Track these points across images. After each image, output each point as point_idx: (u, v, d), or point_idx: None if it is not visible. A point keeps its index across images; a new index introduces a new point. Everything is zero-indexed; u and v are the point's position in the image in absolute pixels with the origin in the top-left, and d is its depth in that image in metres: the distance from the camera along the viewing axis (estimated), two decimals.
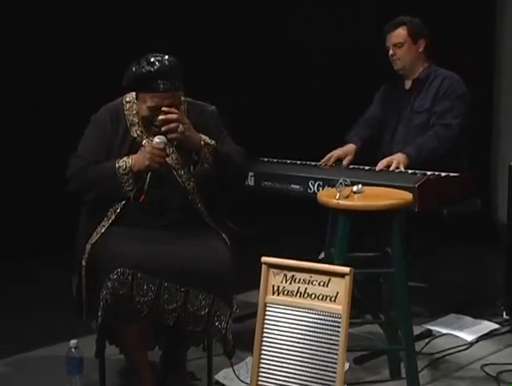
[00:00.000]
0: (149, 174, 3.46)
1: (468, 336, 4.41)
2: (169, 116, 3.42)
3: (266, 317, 3.18)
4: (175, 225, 3.51)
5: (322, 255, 4.56)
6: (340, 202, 3.42)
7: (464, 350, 4.25)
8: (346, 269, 3.07)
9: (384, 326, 3.89)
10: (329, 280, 3.10)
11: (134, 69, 3.48)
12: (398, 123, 4.82)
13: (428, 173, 4.15)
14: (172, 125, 3.42)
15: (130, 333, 3.44)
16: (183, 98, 3.62)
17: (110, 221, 3.52)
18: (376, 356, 4.02)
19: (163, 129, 3.43)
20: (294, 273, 3.15)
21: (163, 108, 3.41)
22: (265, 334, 3.17)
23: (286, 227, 6.04)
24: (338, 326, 3.07)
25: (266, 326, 3.17)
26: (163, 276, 3.31)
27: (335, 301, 3.08)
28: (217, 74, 6.64)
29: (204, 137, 3.51)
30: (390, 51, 4.82)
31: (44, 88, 6.06)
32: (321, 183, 4.33)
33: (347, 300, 3.06)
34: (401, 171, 4.30)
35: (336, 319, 3.08)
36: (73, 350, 3.62)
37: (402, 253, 3.44)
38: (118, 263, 3.28)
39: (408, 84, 4.88)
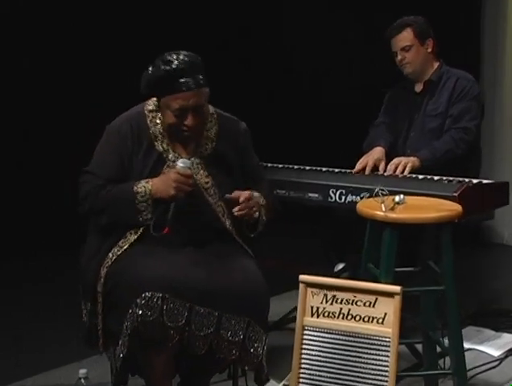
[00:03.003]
0: (173, 203, 2.98)
1: (494, 351, 3.99)
2: (245, 212, 3.04)
3: (305, 341, 2.77)
4: (202, 243, 3.05)
5: (339, 267, 4.17)
6: (389, 214, 2.97)
7: (495, 367, 3.83)
8: (396, 288, 2.67)
9: (423, 345, 3.41)
10: (376, 300, 2.70)
11: (150, 72, 3.03)
12: (411, 128, 4.38)
13: (466, 180, 3.71)
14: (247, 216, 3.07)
15: (157, 362, 2.95)
16: (211, 110, 3.19)
17: (129, 243, 3.03)
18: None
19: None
20: (335, 292, 2.75)
21: (240, 201, 3.02)
22: (303, 361, 2.76)
23: (290, 235, 5.60)
24: (387, 351, 2.67)
25: (304, 351, 2.77)
26: (194, 299, 2.85)
27: (383, 323, 2.69)
28: (228, 77, 6.28)
29: (256, 196, 3.14)
30: (398, 57, 4.36)
31: (44, 88, 5.84)
32: (343, 192, 3.83)
33: (396, 322, 2.66)
34: (435, 178, 3.82)
35: (384, 343, 2.68)
36: (83, 381, 3.11)
37: (453, 269, 3.02)
38: (146, 286, 2.81)
39: (419, 86, 4.43)
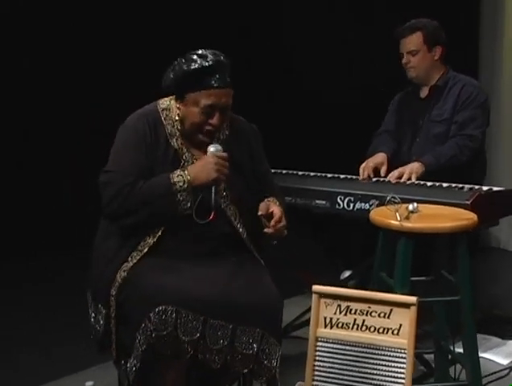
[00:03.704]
0: (213, 188, 2.88)
1: (502, 359, 3.88)
2: (279, 230, 2.94)
3: (318, 353, 2.69)
4: (215, 253, 2.95)
5: (346, 274, 4.09)
6: (404, 224, 2.89)
7: (505, 376, 3.74)
8: (412, 299, 2.58)
9: (435, 355, 3.33)
10: (391, 310, 2.61)
11: (182, 65, 2.90)
12: (415, 133, 4.28)
13: (476, 187, 3.63)
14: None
15: (170, 377, 2.84)
16: None
17: (147, 249, 2.90)
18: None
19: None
20: (349, 303, 2.66)
21: (273, 223, 2.93)
22: (316, 373, 2.68)
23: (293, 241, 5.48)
24: (403, 363, 2.58)
25: (317, 363, 2.69)
26: (208, 312, 2.74)
27: (398, 334, 2.60)
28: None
29: (274, 200, 3.06)
30: (404, 59, 4.27)
31: (44, 88, 5.80)
32: (352, 199, 3.73)
33: (412, 333, 2.57)
34: (444, 185, 3.74)
35: (400, 355, 2.59)
36: None
37: (470, 279, 2.95)
38: (159, 299, 2.70)
39: (424, 91, 4.32)
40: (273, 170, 4.09)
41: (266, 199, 3.05)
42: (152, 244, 2.89)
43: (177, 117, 3.00)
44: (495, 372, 3.73)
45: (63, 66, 5.83)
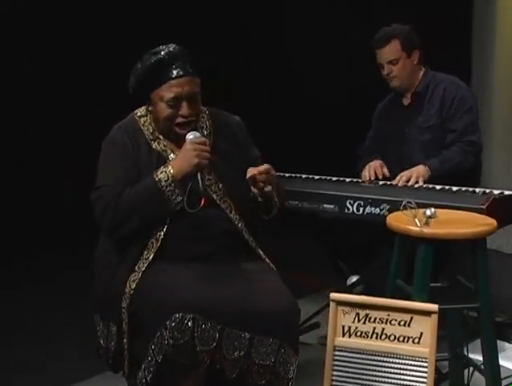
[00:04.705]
0: (198, 174, 2.80)
1: (510, 364, 3.74)
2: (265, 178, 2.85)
3: (336, 362, 2.58)
4: (220, 254, 2.85)
5: (353, 279, 3.99)
6: (425, 230, 2.79)
7: None
8: (433, 307, 2.49)
9: (450, 362, 3.24)
10: (411, 319, 2.52)
11: (139, 66, 2.88)
12: (403, 142, 4.13)
13: (487, 191, 3.55)
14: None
15: None
16: (203, 108, 3.01)
17: (152, 254, 2.80)
18: None
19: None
20: (368, 311, 2.56)
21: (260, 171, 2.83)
22: (334, 383, 2.57)
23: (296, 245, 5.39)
24: (424, 372, 2.50)
25: (335, 373, 2.58)
26: (225, 321, 2.64)
27: (419, 342, 2.51)
28: (228, 77, 6.28)
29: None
30: (385, 70, 4.10)
31: (44, 88, 5.75)
32: (362, 203, 3.63)
33: (434, 342, 2.49)
34: (454, 189, 3.65)
35: (421, 364, 2.50)
36: None
37: (489, 286, 2.88)
38: (176, 307, 2.59)
39: (407, 98, 4.18)
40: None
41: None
42: (157, 249, 2.81)
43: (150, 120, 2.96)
44: (504, 378, 3.52)
45: (63, 66, 5.79)
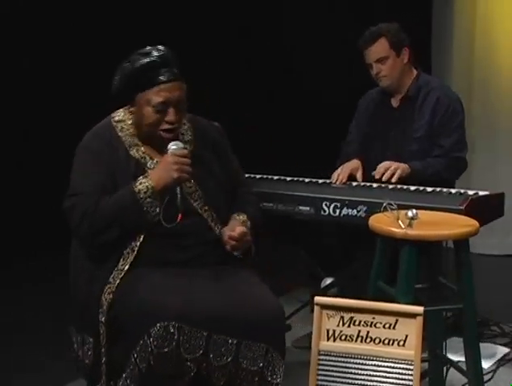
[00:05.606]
0: (177, 188, 2.72)
1: (484, 363, 3.56)
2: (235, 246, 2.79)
3: (320, 367, 2.52)
4: (200, 261, 2.79)
5: (327, 282, 3.93)
6: (409, 232, 2.72)
7: (490, 380, 3.57)
8: (419, 309, 2.44)
9: (430, 363, 3.19)
10: (396, 321, 2.47)
11: (128, 66, 2.78)
12: (386, 146, 4.02)
13: (462, 191, 3.50)
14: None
15: None
16: None
17: (129, 263, 2.73)
18: None
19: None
20: (352, 314, 2.51)
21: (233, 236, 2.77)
22: None
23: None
24: (410, 375, 2.44)
25: (320, 377, 2.52)
26: (212, 327, 2.57)
27: (404, 345, 2.46)
28: (228, 77, 6.31)
29: (240, 219, 2.89)
30: (374, 70, 3.99)
31: (44, 88, 5.74)
32: (338, 205, 3.53)
33: (419, 344, 2.44)
34: (429, 190, 3.59)
35: (406, 366, 2.45)
36: None
37: (473, 287, 2.80)
38: (159, 315, 2.51)
39: (396, 100, 4.07)
40: (256, 176, 3.93)
41: (232, 216, 2.90)
42: (133, 259, 2.73)
43: (130, 122, 2.86)
44: None
45: (63, 66, 5.77)
